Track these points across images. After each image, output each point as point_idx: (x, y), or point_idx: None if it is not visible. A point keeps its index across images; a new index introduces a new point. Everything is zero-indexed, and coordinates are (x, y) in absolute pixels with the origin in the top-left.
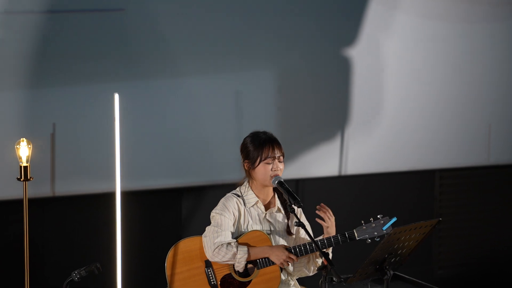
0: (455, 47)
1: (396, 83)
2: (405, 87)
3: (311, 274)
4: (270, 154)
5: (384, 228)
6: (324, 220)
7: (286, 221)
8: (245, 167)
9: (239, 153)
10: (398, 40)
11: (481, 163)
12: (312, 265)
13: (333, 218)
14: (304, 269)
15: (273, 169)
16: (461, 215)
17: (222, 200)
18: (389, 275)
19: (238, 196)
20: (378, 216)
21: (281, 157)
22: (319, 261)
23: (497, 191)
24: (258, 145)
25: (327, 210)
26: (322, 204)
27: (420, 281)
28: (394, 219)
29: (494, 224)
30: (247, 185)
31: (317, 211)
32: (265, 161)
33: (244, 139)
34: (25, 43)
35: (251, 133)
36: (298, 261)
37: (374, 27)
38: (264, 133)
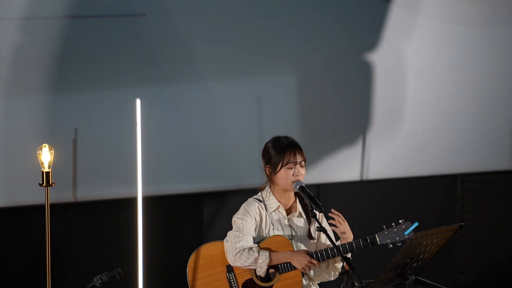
0: (477, 51)
1: (417, 87)
2: (426, 91)
3: (332, 279)
4: (292, 159)
5: (406, 233)
6: (336, 226)
7: (307, 226)
8: (267, 172)
9: (261, 158)
10: (419, 44)
11: (504, 168)
12: (332, 270)
13: (345, 223)
14: (325, 274)
15: (294, 174)
16: (483, 220)
17: (244, 205)
18: (411, 280)
19: (260, 201)
20: (400, 221)
21: (303, 162)
22: (339, 265)
23: None
24: (280, 150)
25: (338, 215)
26: (332, 209)
27: (442, 286)
28: (416, 224)
29: None
30: (269, 190)
31: (329, 220)
32: (287, 166)
33: (266, 144)
34: (47, 48)
35: (273, 138)
36: (319, 266)
37: (396, 31)
38: (286, 138)
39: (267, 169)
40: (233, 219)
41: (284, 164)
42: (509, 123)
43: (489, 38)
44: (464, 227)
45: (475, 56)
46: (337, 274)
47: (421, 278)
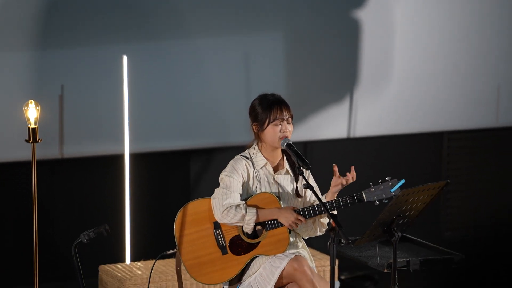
0: (463, 9)
1: (405, 45)
2: (413, 49)
3: (319, 234)
4: (278, 115)
5: (393, 190)
6: (345, 181)
7: (294, 183)
8: (254, 129)
9: (248, 116)
10: (407, 1)
11: (490, 125)
12: (319, 226)
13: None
14: (311, 230)
15: (281, 131)
16: (469, 177)
17: (231, 162)
18: (397, 236)
19: (247, 158)
20: (387, 178)
21: (290, 119)
22: (325, 221)
23: (506, 153)
24: (266, 107)
25: (354, 175)
26: (352, 167)
27: (428, 243)
28: (402, 181)
29: (502, 186)
30: (256, 148)
31: (347, 173)
32: (274, 123)
33: (253, 101)
34: (33, 4)
35: (259, 95)
36: (306, 223)
37: None
38: (272, 95)
39: (254, 127)
40: (221, 176)
41: (271, 121)
42: (495, 81)
43: None
44: (450, 184)
45: (461, 15)
46: (324, 230)
47: (407, 235)
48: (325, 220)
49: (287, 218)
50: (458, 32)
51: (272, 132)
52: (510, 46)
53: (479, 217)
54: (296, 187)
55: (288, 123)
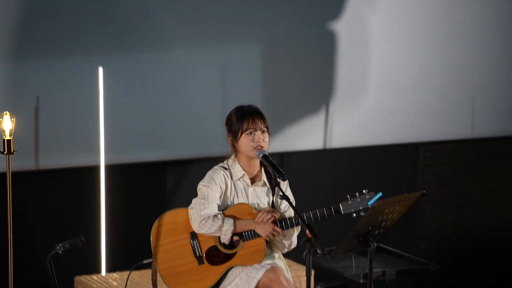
0: (439, 21)
1: (380, 57)
2: (389, 61)
3: (284, 251)
4: (250, 125)
5: (370, 203)
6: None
7: (270, 195)
8: (230, 140)
9: (225, 127)
10: (383, 14)
11: (465, 136)
12: (286, 241)
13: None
14: (279, 244)
15: (254, 140)
16: (445, 187)
17: (209, 172)
18: (372, 247)
19: (226, 169)
20: (364, 191)
21: (265, 129)
22: (294, 238)
23: (481, 164)
24: (239, 118)
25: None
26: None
27: (403, 253)
28: (379, 195)
29: (477, 197)
30: (234, 159)
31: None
32: (246, 132)
33: (229, 112)
34: (8, 14)
35: (236, 107)
36: (283, 234)
37: (359, 0)
38: (248, 106)
39: (230, 138)
40: (198, 186)
41: (244, 130)
42: (470, 92)
43: (451, 9)
44: (426, 195)
45: (437, 25)
46: (301, 242)
47: (383, 246)
48: (294, 236)
49: (264, 229)
50: (432, 43)
51: (245, 142)
52: (485, 57)
53: (454, 228)
54: (273, 200)
55: (262, 132)
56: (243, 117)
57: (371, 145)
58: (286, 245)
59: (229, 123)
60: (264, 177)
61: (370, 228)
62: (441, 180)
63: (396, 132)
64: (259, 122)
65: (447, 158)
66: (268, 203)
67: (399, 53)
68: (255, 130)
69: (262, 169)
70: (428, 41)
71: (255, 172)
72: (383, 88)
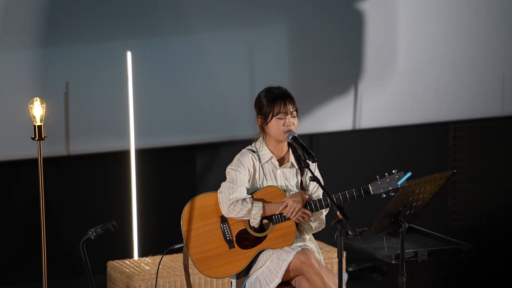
0: None
1: (408, 36)
2: (417, 40)
3: (313, 231)
4: (282, 109)
5: (399, 183)
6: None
7: (299, 176)
8: (259, 122)
9: (253, 109)
10: None
11: (495, 114)
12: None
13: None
14: (306, 227)
15: (285, 124)
16: (475, 166)
17: (238, 156)
18: (404, 227)
19: (253, 152)
20: (393, 171)
21: (294, 112)
22: (322, 217)
23: (511, 142)
24: (270, 100)
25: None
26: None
27: (435, 233)
28: (409, 174)
29: (508, 174)
30: (262, 141)
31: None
32: (277, 116)
33: (259, 93)
34: (35, 1)
35: (265, 88)
36: (312, 216)
37: None
38: (278, 88)
39: (259, 120)
40: (227, 170)
41: (275, 114)
42: (500, 69)
43: None
44: (457, 174)
45: (465, 4)
46: (332, 224)
47: (414, 226)
48: (322, 218)
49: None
50: (461, 21)
51: (276, 125)
52: None
53: (486, 206)
54: (301, 180)
55: (292, 116)
56: (274, 101)
57: (400, 125)
58: (314, 227)
59: (258, 105)
60: (292, 158)
61: (401, 209)
62: (471, 159)
63: (425, 111)
64: (290, 106)
65: (477, 136)
66: (297, 185)
67: (426, 31)
68: (286, 114)
69: (290, 150)
70: (457, 19)
71: (283, 154)
72: (411, 67)
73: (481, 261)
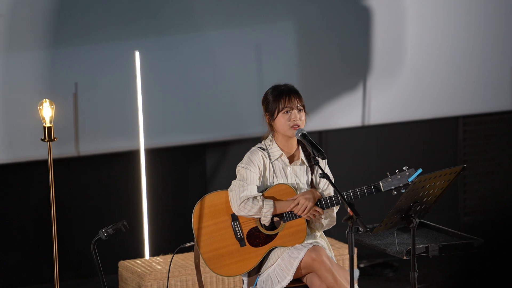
0: None
1: (416, 31)
2: (425, 34)
3: (324, 228)
4: (287, 104)
5: (410, 179)
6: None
7: (309, 174)
8: (267, 119)
9: (261, 107)
10: None
11: (504, 108)
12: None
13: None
14: (317, 224)
15: (291, 119)
16: (486, 160)
17: (248, 154)
18: (415, 223)
19: (263, 149)
20: (404, 167)
21: (301, 107)
22: (333, 214)
23: None
24: (276, 97)
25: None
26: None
27: (446, 228)
28: (419, 171)
29: None
30: (272, 138)
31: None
32: (283, 111)
33: (266, 92)
34: (45, 3)
35: (272, 86)
36: (323, 214)
37: None
38: (285, 85)
39: (266, 117)
40: (237, 168)
41: (280, 109)
42: (509, 63)
43: None
44: (467, 168)
45: None
46: (342, 220)
47: (425, 221)
48: (332, 215)
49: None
50: (470, 15)
51: (282, 121)
52: None
53: (497, 200)
54: (312, 177)
55: (298, 111)
56: (279, 96)
57: (410, 120)
58: (325, 224)
59: (265, 102)
60: (302, 155)
61: (411, 204)
62: (481, 153)
63: (435, 106)
64: (296, 101)
65: (487, 130)
66: (307, 182)
67: (434, 26)
68: (291, 109)
69: (300, 147)
70: (463, 13)
71: (293, 151)
72: (419, 62)
73: (493, 256)
